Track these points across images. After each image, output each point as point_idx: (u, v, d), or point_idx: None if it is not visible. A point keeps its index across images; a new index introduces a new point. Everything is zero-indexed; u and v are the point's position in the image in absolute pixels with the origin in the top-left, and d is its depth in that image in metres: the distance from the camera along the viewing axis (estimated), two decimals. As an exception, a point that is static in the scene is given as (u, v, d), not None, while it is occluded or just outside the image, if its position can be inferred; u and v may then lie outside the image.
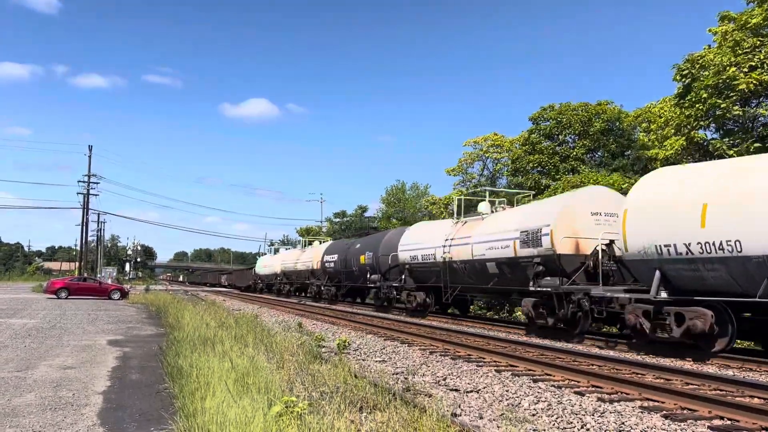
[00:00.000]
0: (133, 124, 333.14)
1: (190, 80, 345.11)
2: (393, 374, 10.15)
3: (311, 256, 42.29)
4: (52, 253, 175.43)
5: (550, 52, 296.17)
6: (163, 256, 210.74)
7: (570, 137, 35.40)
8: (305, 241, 51.91)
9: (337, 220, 68.90)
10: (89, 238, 71.79)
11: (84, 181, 61.64)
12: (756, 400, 8.05)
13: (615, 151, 33.94)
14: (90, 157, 61.54)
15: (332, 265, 36.65)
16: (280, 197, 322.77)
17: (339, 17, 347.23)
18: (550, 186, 31.36)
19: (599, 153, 35.19)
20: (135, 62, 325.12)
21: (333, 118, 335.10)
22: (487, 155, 44.46)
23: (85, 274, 55.85)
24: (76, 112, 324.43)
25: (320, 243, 46.10)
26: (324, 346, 12.50)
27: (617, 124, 34.66)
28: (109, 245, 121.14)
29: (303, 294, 45.84)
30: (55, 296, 37.70)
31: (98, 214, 76.13)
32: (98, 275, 63.19)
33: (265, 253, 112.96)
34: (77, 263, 67.67)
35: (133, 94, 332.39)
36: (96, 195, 69.85)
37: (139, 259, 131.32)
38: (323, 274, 38.83)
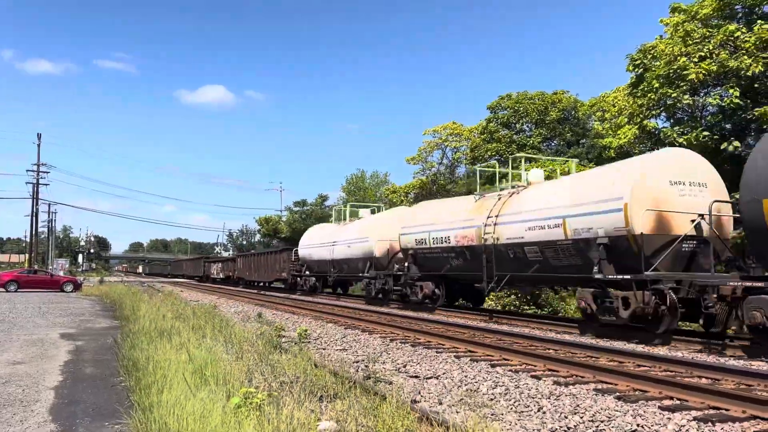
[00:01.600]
0: (86, 111, 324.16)
1: (145, 66, 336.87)
2: (354, 362, 10.17)
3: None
4: (0, 245, 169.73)
5: (509, 42, 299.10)
6: (118, 247, 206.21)
7: (527, 126, 35.87)
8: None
9: (297, 209, 68.37)
10: (40, 229, 69.74)
11: (33, 171, 59.72)
12: (704, 380, 8.34)
13: (570, 139, 34.55)
14: (39, 145, 59.60)
15: None
16: (238, 186, 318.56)
17: (296, 3, 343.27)
18: (508, 174, 31.75)
19: (555, 141, 35.76)
20: (88, 47, 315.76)
21: (292, 105, 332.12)
22: (446, 144, 44.72)
23: (36, 266, 54.26)
24: (25, 99, 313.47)
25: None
26: (284, 336, 12.44)
27: (573, 113, 35.26)
28: (61, 236, 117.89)
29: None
30: (3, 289, 36.50)
31: (49, 205, 73.88)
32: (50, 267, 61.45)
33: (225, 244, 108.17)
34: (27, 255, 65.64)
35: (86, 80, 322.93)
36: (46, 185, 67.83)
37: (92, 250, 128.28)
38: None
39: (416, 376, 8.94)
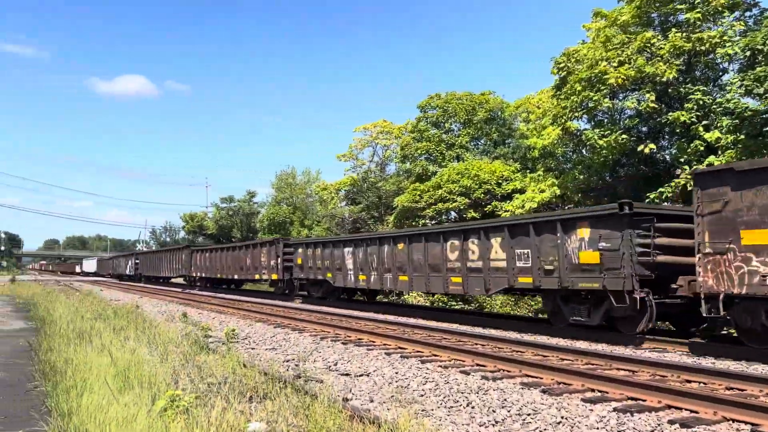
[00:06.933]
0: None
1: (54, 51, 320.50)
2: (284, 362, 10.05)
3: None
4: None
5: (439, 43, 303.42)
6: (32, 244, 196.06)
7: (455, 125, 36.45)
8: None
9: (225, 205, 66.76)
10: (-56, 226, 65.05)
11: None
12: (621, 372, 8.73)
13: (497, 139, 35.34)
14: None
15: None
16: (159, 181, 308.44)
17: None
18: (437, 172, 32.19)
19: (482, 141, 36.51)
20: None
21: (217, 96, 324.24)
22: (376, 141, 44.84)
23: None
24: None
25: None
26: (211, 336, 12.15)
27: (499, 113, 36.09)
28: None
29: None
30: None
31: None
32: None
33: (147, 240, 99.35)
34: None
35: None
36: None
37: (2, 248, 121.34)
38: None
39: (347, 374, 8.93)
